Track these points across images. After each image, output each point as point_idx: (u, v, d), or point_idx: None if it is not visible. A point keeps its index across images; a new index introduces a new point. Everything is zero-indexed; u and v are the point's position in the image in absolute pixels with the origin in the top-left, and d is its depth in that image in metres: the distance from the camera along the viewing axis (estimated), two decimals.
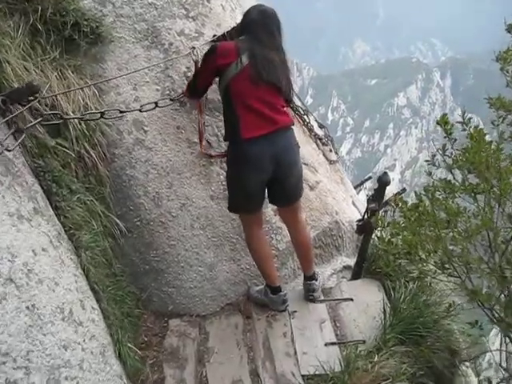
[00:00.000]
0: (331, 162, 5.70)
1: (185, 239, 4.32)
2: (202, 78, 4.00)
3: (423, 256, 3.48)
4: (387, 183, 4.41)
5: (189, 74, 4.38)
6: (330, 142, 5.94)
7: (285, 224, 4.33)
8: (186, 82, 4.33)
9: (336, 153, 6.11)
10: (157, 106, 4.11)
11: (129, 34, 4.35)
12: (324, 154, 5.61)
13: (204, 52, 4.01)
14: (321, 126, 6.02)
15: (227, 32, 4.47)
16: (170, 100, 4.23)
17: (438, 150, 3.55)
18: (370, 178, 14.65)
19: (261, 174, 3.79)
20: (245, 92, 3.69)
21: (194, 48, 4.23)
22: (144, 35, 4.37)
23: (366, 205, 4.51)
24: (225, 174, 4.31)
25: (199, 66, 4.03)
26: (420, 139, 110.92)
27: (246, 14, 3.97)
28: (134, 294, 4.16)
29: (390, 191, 4.65)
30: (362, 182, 12.48)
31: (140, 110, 4.01)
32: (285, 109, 3.89)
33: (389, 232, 3.80)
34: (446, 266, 3.44)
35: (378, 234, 4.41)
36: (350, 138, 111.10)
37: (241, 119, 3.68)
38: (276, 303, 4.27)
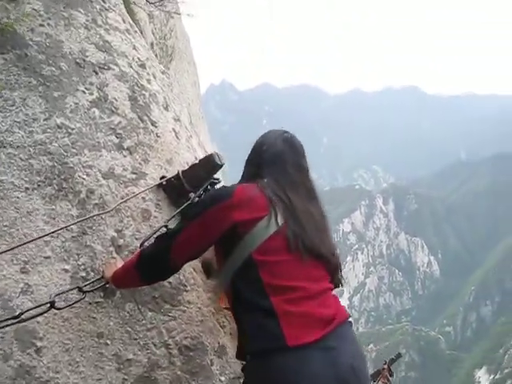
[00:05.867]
0: None
1: None
2: (192, 245, 2.29)
3: None
4: None
5: (121, 241, 2.63)
6: None
7: None
8: (117, 256, 2.60)
9: None
10: (53, 307, 2.25)
11: (19, 175, 2.54)
12: None
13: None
14: None
15: (183, 171, 2.85)
16: (81, 291, 2.41)
17: None
18: None
19: None
20: (283, 268, 2.14)
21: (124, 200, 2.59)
22: (46, 177, 2.59)
23: None
24: None
25: (189, 221, 2.30)
26: (366, 264, 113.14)
27: (263, 145, 2.50)
28: None
29: None
30: None
31: (20, 321, 2.14)
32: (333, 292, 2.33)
33: None
34: None
35: None
36: None
37: (279, 313, 2.05)
38: None
